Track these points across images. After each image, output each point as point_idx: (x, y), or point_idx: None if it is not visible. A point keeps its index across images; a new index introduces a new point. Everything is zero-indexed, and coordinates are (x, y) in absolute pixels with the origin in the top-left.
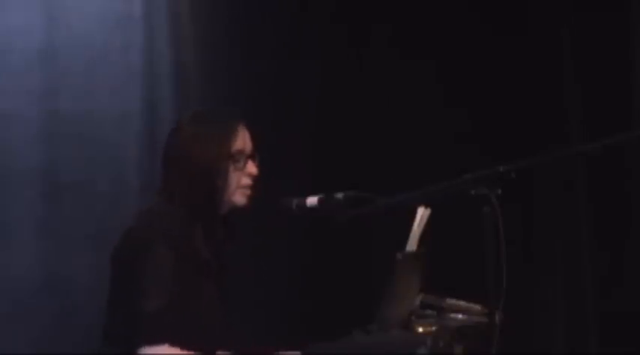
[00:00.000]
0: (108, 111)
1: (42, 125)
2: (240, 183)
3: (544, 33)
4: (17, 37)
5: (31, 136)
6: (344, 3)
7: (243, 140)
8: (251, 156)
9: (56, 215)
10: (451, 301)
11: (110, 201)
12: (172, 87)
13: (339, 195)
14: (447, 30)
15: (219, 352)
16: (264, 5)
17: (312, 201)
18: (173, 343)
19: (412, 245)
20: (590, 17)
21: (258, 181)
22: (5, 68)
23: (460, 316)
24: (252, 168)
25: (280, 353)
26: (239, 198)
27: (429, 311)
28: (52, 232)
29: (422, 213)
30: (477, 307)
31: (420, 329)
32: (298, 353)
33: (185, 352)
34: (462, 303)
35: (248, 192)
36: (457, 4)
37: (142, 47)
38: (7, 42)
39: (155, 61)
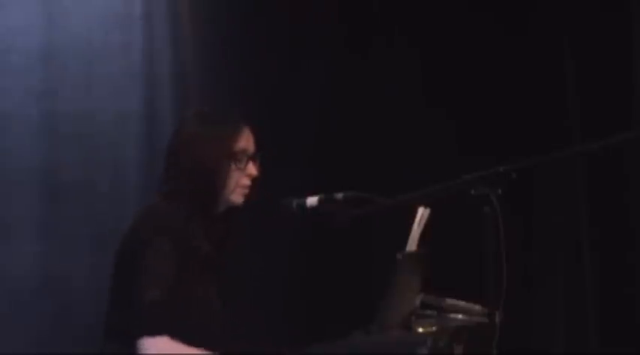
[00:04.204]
0: (108, 111)
1: (42, 125)
2: (239, 182)
3: (545, 33)
4: (17, 37)
5: (31, 136)
6: (346, 3)
7: (247, 140)
8: (252, 158)
9: (56, 215)
10: (451, 301)
11: (110, 201)
12: (172, 87)
13: (339, 196)
14: (448, 31)
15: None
16: (264, 5)
17: (312, 201)
18: (173, 335)
19: (412, 245)
20: (591, 17)
21: (256, 183)
22: (5, 68)
23: (460, 316)
24: (252, 169)
25: (280, 353)
26: (237, 197)
27: (429, 311)
28: (51, 232)
29: (422, 213)
30: (477, 307)
31: (420, 329)
32: (298, 353)
33: (184, 345)
34: (462, 303)
35: (246, 191)
36: (459, 5)
37: (142, 47)
38: (7, 42)
39: (155, 61)
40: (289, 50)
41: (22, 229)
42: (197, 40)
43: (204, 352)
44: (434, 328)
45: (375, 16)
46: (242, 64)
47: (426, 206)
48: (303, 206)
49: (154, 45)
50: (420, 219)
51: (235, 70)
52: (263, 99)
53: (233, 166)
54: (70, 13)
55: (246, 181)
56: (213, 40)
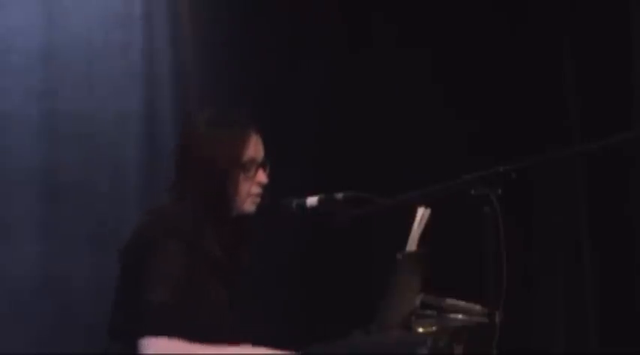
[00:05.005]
0: (108, 111)
1: (41, 125)
2: (250, 191)
3: (545, 33)
4: (17, 37)
5: (31, 136)
6: (346, 3)
7: (255, 148)
8: (262, 165)
9: (56, 215)
10: (451, 301)
11: (110, 201)
12: (172, 87)
13: (339, 196)
14: (448, 31)
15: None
16: (264, 5)
17: (312, 201)
18: (177, 337)
19: (412, 245)
20: (591, 17)
21: (266, 188)
22: (5, 68)
23: (460, 316)
24: (262, 177)
25: (280, 353)
26: (248, 206)
27: (429, 311)
28: (51, 232)
29: (422, 213)
30: (477, 307)
31: (420, 329)
32: (298, 353)
33: (188, 344)
34: (462, 303)
35: (257, 200)
36: (459, 6)
37: (142, 47)
38: (7, 42)
39: (155, 61)
40: (289, 50)
41: (22, 229)
42: (197, 40)
43: (208, 352)
44: (434, 328)
45: (375, 16)
46: (242, 64)
47: (426, 206)
48: (303, 206)
49: (154, 45)
50: (420, 219)
51: (235, 70)
52: (263, 100)
53: (242, 176)
54: (70, 13)
55: (257, 189)
56: (213, 40)
